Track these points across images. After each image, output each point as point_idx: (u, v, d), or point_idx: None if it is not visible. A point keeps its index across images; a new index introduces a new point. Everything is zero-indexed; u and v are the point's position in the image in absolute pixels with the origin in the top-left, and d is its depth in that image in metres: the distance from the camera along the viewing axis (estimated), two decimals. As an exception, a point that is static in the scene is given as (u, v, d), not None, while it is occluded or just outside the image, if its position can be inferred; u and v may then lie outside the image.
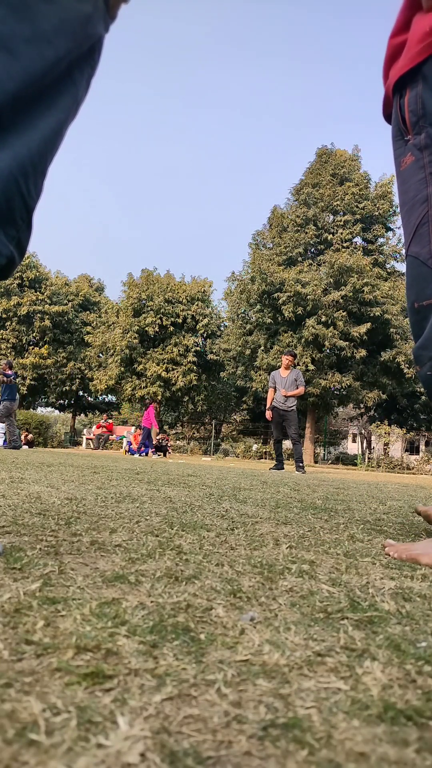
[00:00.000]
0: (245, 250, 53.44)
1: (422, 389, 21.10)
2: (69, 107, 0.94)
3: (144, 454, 12.90)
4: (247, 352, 21.30)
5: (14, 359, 24.88)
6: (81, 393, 28.18)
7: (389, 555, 1.24)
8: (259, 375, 20.44)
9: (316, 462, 21.30)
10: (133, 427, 20.22)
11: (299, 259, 21.44)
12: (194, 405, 23.38)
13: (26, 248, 0.95)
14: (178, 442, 27.46)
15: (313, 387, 18.99)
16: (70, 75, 0.92)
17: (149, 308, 21.91)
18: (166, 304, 21.98)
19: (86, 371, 25.41)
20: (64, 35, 0.88)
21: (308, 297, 18.77)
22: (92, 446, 19.12)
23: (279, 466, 7.51)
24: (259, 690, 0.53)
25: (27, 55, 0.84)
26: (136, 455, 12.50)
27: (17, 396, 10.59)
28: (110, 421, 19.52)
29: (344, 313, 18.99)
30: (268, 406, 7.64)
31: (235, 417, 31.17)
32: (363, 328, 18.94)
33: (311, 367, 18.88)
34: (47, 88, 0.89)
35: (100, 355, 24.64)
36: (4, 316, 25.11)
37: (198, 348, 22.39)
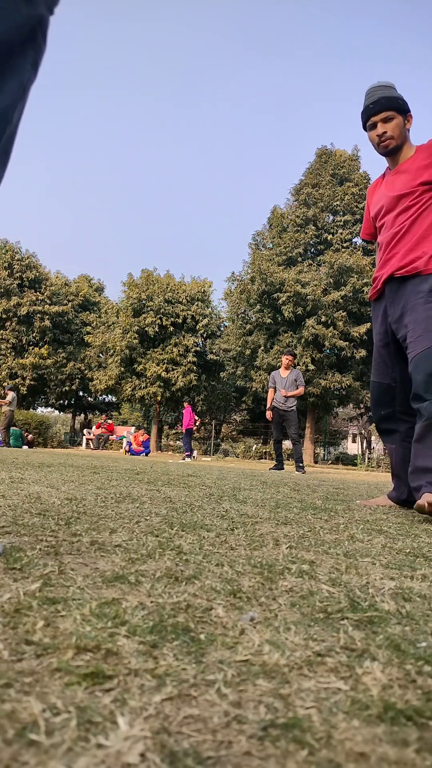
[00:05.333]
0: (245, 250, 53.48)
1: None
2: (15, 91, 0.93)
3: (190, 457, 12.52)
4: (247, 352, 21.29)
5: (14, 359, 24.89)
6: (81, 393, 28.18)
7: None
8: (259, 375, 20.43)
9: (316, 462, 21.29)
10: (133, 428, 20.20)
11: (299, 259, 21.43)
12: (194, 405, 23.31)
13: None
14: (178, 442, 27.45)
15: (313, 387, 18.99)
16: (11, 59, 0.91)
17: (149, 308, 21.90)
18: (166, 304, 21.97)
19: (86, 371, 25.40)
20: (1, 18, 0.86)
21: (308, 297, 18.77)
22: (92, 446, 19.11)
23: (279, 466, 7.51)
24: (259, 690, 0.53)
25: None
26: (187, 460, 12.06)
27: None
28: (110, 421, 19.51)
29: (344, 313, 19.00)
30: (268, 406, 7.64)
31: (235, 417, 31.17)
32: (363, 328, 18.94)
33: (311, 367, 18.88)
34: None
35: (100, 355, 24.64)
36: (4, 316, 25.11)
37: (198, 348, 22.38)
